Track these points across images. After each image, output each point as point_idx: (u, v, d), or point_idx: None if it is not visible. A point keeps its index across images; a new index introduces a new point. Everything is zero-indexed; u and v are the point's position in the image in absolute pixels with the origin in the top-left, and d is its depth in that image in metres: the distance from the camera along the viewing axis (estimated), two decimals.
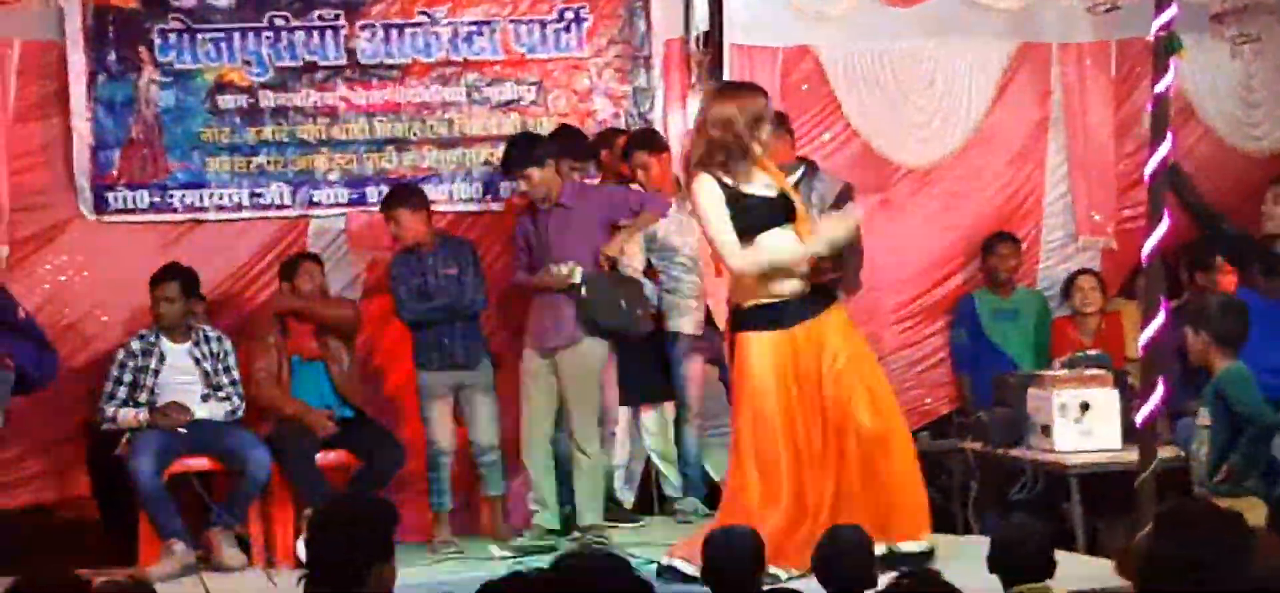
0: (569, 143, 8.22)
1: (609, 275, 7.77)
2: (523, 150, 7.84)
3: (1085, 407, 7.55)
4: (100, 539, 8.02)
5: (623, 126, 8.61)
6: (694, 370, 8.22)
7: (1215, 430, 6.31)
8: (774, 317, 6.40)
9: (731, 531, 5.33)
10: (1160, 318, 6.40)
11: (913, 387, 8.91)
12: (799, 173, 7.59)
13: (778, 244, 6.40)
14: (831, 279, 6.57)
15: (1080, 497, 7.46)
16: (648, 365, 8.16)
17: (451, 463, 8.07)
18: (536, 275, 7.77)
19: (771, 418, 6.38)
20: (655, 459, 8.46)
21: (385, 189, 8.40)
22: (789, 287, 6.39)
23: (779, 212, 6.47)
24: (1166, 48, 6.47)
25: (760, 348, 6.40)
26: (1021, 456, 7.73)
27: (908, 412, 8.79)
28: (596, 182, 8.32)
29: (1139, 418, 6.47)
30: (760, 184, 6.47)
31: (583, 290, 7.60)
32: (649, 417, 8.43)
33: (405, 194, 8.13)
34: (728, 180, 6.41)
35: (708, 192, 6.35)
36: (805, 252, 6.40)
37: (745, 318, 6.46)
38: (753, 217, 6.40)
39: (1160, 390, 6.41)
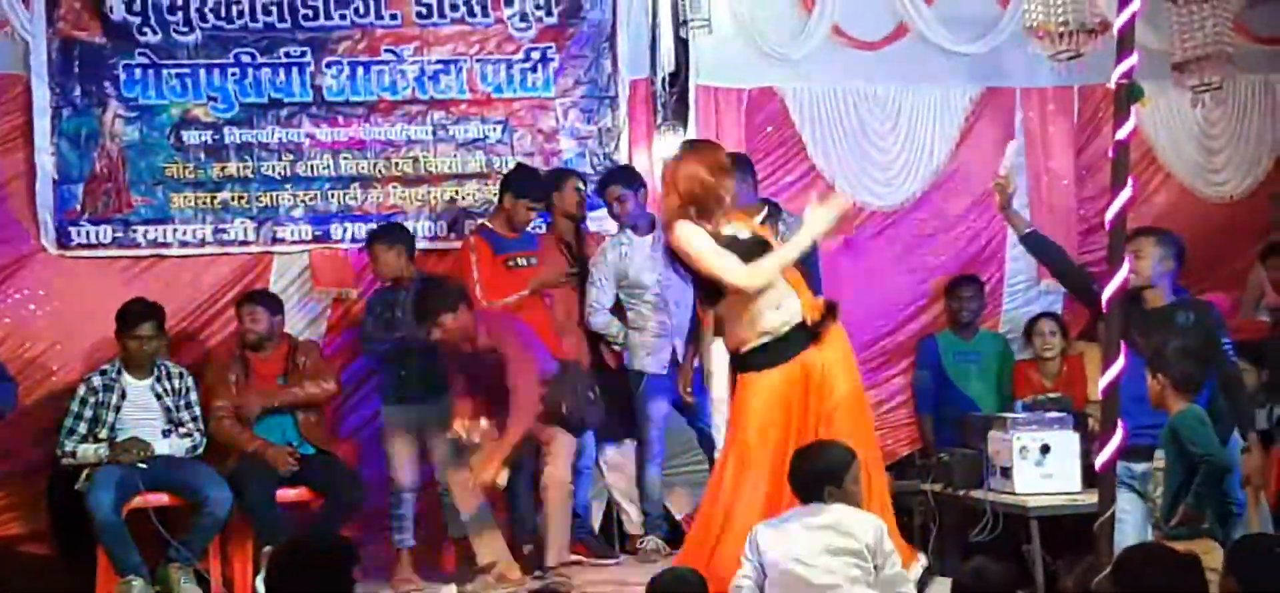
0: (526, 183, 8.23)
1: (568, 380, 7.60)
2: (436, 300, 7.49)
3: (1046, 449, 7.55)
4: (59, 574, 7.97)
5: (572, 168, 8.62)
6: (658, 410, 8.21)
7: (1170, 473, 6.33)
8: (776, 354, 6.28)
9: (676, 572, 5.36)
10: (1120, 362, 6.41)
11: (875, 427, 8.92)
12: (762, 216, 7.62)
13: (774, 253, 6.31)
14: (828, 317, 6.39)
15: (1040, 539, 7.48)
16: (609, 403, 8.15)
17: (414, 501, 8.04)
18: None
19: (758, 465, 6.22)
20: (616, 496, 8.45)
21: (350, 226, 8.46)
22: (784, 319, 6.26)
23: (758, 252, 6.36)
24: (1128, 96, 6.47)
25: (763, 387, 6.24)
26: (982, 497, 7.72)
27: None
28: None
29: (1098, 461, 6.47)
30: (735, 228, 6.40)
31: (563, 410, 7.52)
32: (611, 454, 8.42)
33: (382, 231, 8.16)
34: (706, 227, 6.34)
35: (694, 231, 6.28)
36: (802, 243, 6.31)
37: (747, 360, 6.34)
38: (738, 253, 6.29)
39: (1120, 434, 6.42)
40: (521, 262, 8.09)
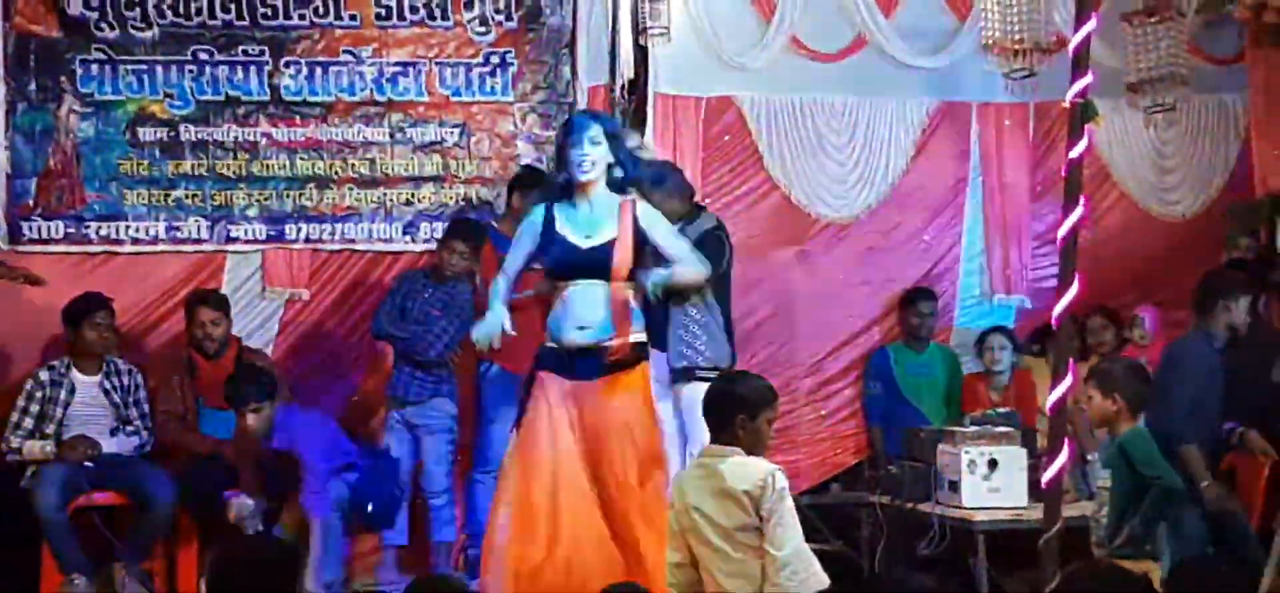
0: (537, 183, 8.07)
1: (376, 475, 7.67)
2: (248, 391, 7.53)
3: (993, 464, 7.58)
4: (2, 572, 7.90)
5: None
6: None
7: (1116, 493, 6.35)
8: (566, 363, 6.23)
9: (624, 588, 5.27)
10: (1068, 379, 6.45)
11: (824, 438, 8.98)
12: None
13: (576, 295, 6.22)
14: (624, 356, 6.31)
15: (986, 553, 7.51)
16: None
17: (407, 500, 7.98)
18: None
19: (543, 460, 6.14)
20: None
21: (304, 227, 8.48)
22: (579, 338, 6.21)
23: (590, 263, 6.24)
24: (1082, 115, 6.52)
25: (549, 388, 6.21)
26: (930, 510, 7.76)
27: (818, 463, 8.90)
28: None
29: (1045, 478, 6.51)
30: (583, 230, 6.29)
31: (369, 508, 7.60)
32: None
33: (458, 227, 8.17)
34: (556, 215, 6.31)
35: (527, 218, 6.44)
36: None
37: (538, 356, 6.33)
38: (553, 257, 6.30)
39: (1066, 450, 6.46)
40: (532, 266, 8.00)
